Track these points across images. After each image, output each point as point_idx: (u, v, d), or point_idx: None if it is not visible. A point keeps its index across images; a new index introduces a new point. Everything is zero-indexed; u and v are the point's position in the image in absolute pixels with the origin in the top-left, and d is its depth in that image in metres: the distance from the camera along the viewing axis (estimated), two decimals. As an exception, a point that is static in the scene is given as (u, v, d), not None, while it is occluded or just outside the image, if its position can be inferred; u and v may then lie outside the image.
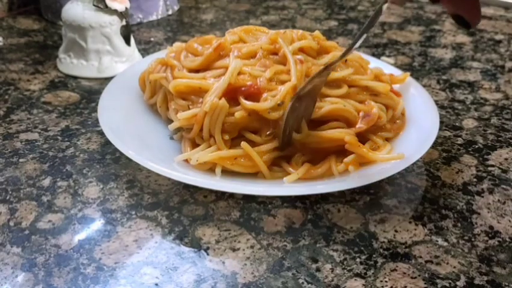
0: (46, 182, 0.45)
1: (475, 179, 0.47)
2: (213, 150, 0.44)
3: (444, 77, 0.66)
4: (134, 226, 0.40)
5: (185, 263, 0.37)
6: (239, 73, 0.45)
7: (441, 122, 0.54)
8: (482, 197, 0.45)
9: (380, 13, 0.41)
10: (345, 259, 0.38)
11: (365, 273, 0.36)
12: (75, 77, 0.63)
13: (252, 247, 0.39)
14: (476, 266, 0.37)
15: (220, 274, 0.36)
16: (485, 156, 0.50)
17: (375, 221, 0.41)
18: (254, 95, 0.44)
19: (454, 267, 0.37)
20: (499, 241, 0.40)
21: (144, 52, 0.71)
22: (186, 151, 0.46)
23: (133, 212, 0.42)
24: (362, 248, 0.39)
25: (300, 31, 0.51)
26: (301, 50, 0.49)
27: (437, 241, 0.39)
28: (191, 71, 0.49)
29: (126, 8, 0.63)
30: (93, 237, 0.39)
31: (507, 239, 0.40)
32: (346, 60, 0.49)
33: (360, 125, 0.45)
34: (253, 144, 0.44)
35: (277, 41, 0.48)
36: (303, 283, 0.36)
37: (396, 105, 0.50)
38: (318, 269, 0.37)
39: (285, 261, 0.37)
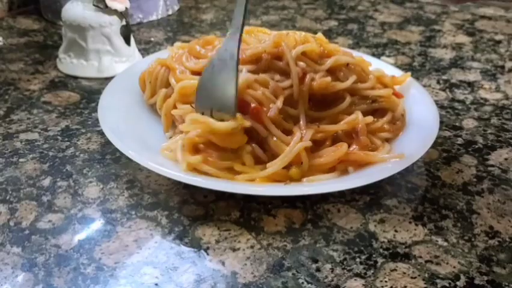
0: (46, 182, 0.45)
1: (475, 179, 0.47)
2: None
3: (444, 77, 0.66)
4: (134, 226, 0.40)
5: (185, 263, 0.37)
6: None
7: (441, 122, 0.54)
8: (482, 197, 0.45)
9: None
10: (345, 259, 0.38)
11: (365, 273, 0.36)
12: (75, 77, 0.63)
13: (252, 247, 0.39)
14: (476, 266, 0.37)
15: (220, 274, 0.36)
16: (485, 156, 0.50)
17: (375, 221, 0.41)
18: (258, 116, 0.44)
19: (454, 267, 0.37)
20: (499, 241, 0.40)
21: (144, 52, 0.71)
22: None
23: (133, 212, 0.42)
24: (362, 248, 0.39)
25: (303, 33, 0.51)
26: (303, 54, 0.49)
27: (437, 241, 0.39)
28: (194, 73, 0.49)
29: (126, 8, 0.63)
30: (93, 237, 0.39)
31: (507, 239, 0.40)
32: (348, 64, 0.49)
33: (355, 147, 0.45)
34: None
35: (280, 45, 0.48)
36: (303, 283, 0.36)
37: (396, 107, 0.50)
38: (318, 269, 0.37)
39: (285, 261, 0.37)
